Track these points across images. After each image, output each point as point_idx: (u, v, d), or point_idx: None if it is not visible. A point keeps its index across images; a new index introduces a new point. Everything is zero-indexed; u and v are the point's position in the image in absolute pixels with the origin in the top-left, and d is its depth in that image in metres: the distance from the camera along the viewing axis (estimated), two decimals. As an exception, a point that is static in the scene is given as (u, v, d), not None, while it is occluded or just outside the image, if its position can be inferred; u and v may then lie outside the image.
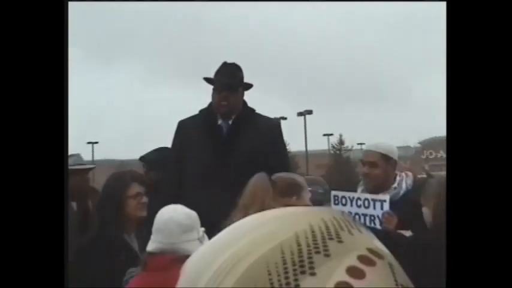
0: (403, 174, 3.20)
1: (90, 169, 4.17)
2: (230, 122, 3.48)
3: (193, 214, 2.25)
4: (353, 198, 3.12)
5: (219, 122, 3.50)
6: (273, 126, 3.63)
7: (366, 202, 3.03)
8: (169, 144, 3.79)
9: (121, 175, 3.02)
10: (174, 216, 2.20)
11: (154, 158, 4.14)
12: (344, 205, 3.11)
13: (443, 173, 2.43)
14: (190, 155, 3.47)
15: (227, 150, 3.42)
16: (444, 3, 1.49)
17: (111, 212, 2.68)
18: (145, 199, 2.76)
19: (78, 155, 4.20)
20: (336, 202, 3.16)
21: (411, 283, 0.66)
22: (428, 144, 51.79)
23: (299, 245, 0.63)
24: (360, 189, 3.35)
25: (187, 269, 0.68)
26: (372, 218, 2.98)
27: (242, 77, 3.56)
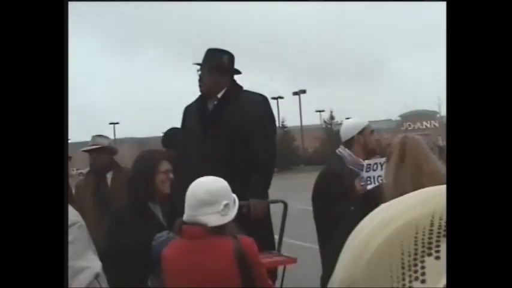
0: None
1: (104, 147, 4.49)
2: (216, 101, 3.76)
3: (215, 189, 2.41)
4: (382, 163, 3.53)
5: (208, 102, 3.80)
6: (258, 101, 3.83)
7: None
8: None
9: (152, 153, 3.35)
10: (195, 191, 2.39)
11: (169, 139, 4.52)
12: (375, 170, 3.52)
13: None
14: (188, 135, 3.85)
15: (212, 124, 3.71)
16: (444, 3, 1.50)
17: (142, 183, 2.97)
18: (171, 176, 3.05)
19: (95, 137, 4.62)
20: (368, 169, 3.58)
21: None
22: (407, 117, 59.52)
23: (432, 225, 0.75)
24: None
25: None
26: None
27: (220, 61, 3.79)
